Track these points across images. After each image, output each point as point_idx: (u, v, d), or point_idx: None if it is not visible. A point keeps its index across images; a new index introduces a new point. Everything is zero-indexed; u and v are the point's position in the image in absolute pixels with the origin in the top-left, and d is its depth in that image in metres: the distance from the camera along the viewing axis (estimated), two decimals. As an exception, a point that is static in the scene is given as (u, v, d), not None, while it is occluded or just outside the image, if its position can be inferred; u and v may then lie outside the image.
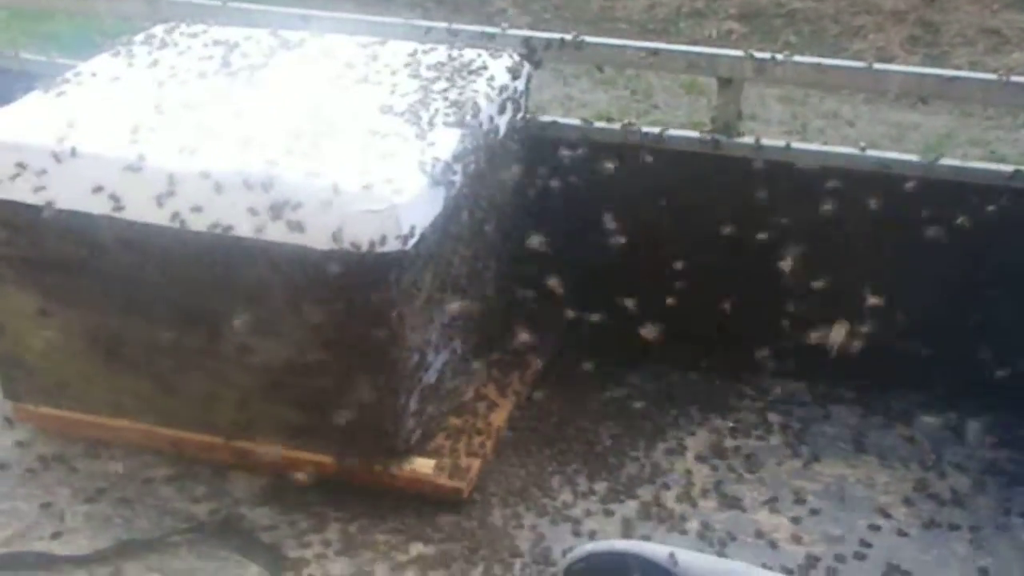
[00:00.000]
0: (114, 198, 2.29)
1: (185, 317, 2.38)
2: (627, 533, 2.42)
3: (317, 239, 2.22)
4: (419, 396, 2.45)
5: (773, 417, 2.78)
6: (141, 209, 2.29)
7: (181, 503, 2.47)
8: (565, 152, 2.74)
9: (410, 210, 2.22)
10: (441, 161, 2.32)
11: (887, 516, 2.49)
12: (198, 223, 2.27)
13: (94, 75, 2.59)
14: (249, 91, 2.53)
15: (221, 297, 2.34)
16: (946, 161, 2.66)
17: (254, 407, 2.45)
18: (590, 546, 2.22)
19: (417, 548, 2.37)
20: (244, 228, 2.24)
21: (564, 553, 2.31)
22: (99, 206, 2.31)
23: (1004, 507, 2.50)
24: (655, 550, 2.20)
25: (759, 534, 2.44)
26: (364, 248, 2.20)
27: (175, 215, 2.27)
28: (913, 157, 2.66)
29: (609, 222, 2.67)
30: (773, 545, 2.41)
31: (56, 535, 2.39)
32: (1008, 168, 2.60)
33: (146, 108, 2.43)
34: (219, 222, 2.25)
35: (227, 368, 2.41)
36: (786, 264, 2.66)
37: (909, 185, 2.60)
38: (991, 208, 2.56)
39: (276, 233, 2.24)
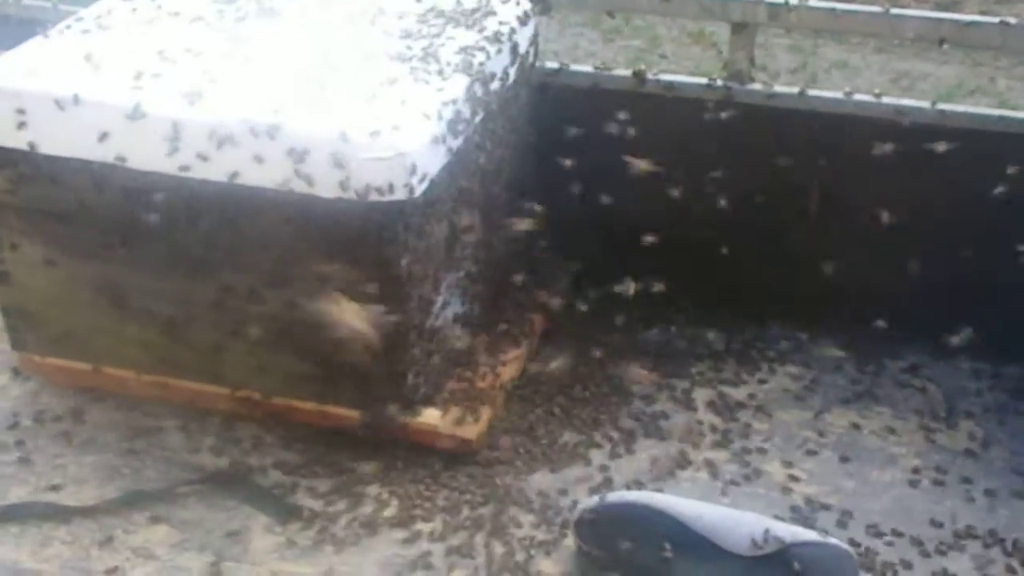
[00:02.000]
0: (118, 146, 2.26)
1: (191, 266, 2.36)
2: (637, 484, 2.41)
3: (324, 187, 2.19)
4: (428, 346, 2.43)
5: (783, 368, 2.76)
6: (145, 157, 2.26)
7: (189, 454, 2.46)
8: (574, 99, 2.70)
9: (418, 158, 2.19)
10: (449, 108, 2.29)
11: (898, 467, 2.47)
12: (203, 171, 2.24)
13: (97, 20, 2.55)
14: (255, 37, 2.49)
15: (227, 246, 2.32)
16: (959, 107, 2.63)
17: (262, 358, 2.43)
18: (601, 497, 2.22)
19: (426, 498, 2.36)
20: (249, 176, 2.21)
21: (575, 503, 2.32)
22: (103, 154, 2.28)
23: (1017, 458, 2.48)
24: (666, 501, 2.20)
25: (770, 484, 2.42)
26: (371, 196, 2.17)
27: (179, 163, 2.24)
28: (926, 104, 2.62)
29: (618, 171, 2.63)
30: (784, 495, 2.40)
31: (63, 486, 2.38)
32: (1021, 115, 2.56)
33: (149, 54, 2.40)
34: (224, 170, 2.22)
35: (234, 318, 2.39)
36: (804, 213, 2.63)
37: (924, 132, 2.56)
38: (1004, 156, 2.52)
39: (282, 181, 2.21)
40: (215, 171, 2.23)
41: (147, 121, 2.24)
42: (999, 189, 2.53)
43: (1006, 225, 2.53)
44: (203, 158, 2.23)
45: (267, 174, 2.21)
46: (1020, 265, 2.52)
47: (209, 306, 2.39)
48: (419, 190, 2.21)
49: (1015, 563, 2.23)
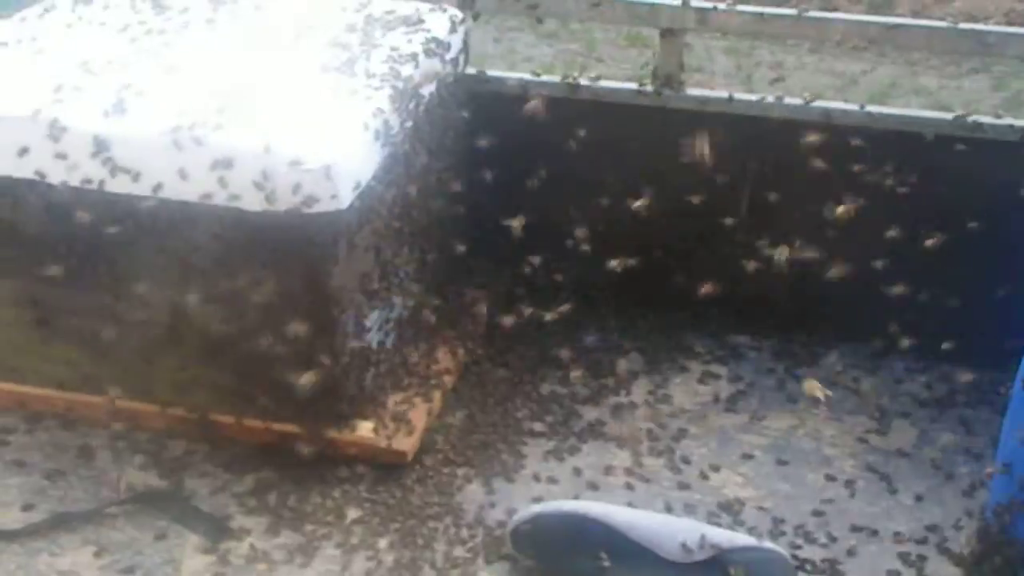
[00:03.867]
0: (37, 161, 2.21)
1: (117, 283, 2.32)
2: (574, 492, 2.39)
3: (250, 200, 2.16)
4: (361, 358, 2.40)
5: (719, 371, 2.76)
6: (66, 172, 2.22)
7: (118, 473, 2.40)
8: (504, 106, 2.68)
9: (346, 168, 2.17)
10: (377, 117, 2.27)
11: (834, 469, 2.48)
12: (126, 185, 2.20)
13: (16, 32, 2.50)
14: (180, 48, 2.45)
15: (153, 261, 2.27)
16: (888, 110, 2.64)
17: (192, 373, 2.39)
18: (537, 507, 2.21)
19: (361, 514, 2.33)
20: (173, 190, 2.18)
21: (511, 514, 2.30)
22: (23, 170, 2.23)
23: (950, 458, 2.50)
24: (602, 509, 2.19)
25: (706, 489, 2.42)
26: (298, 208, 2.14)
27: (101, 177, 2.20)
28: (855, 106, 2.63)
29: (549, 175, 2.62)
30: (720, 499, 2.39)
31: (-12, 509, 2.33)
32: (949, 116, 2.59)
33: (71, 66, 2.35)
34: (147, 184, 2.19)
35: (163, 334, 2.35)
36: (730, 219, 2.63)
37: (852, 134, 2.57)
38: (931, 156, 2.54)
39: (207, 194, 2.17)
40: (138, 185, 2.19)
41: (67, 135, 2.19)
42: (928, 190, 2.54)
43: (935, 225, 2.55)
44: (126, 172, 2.19)
45: (191, 187, 2.18)
46: (950, 266, 2.54)
47: (135, 322, 2.34)
48: (347, 201, 2.19)
49: (944, 563, 2.24)
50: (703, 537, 2.12)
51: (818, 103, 2.64)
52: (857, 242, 2.57)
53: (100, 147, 2.18)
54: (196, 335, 2.33)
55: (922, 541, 2.30)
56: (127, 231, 2.24)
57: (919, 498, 2.40)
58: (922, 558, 2.25)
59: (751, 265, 2.61)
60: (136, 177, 2.19)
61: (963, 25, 2.56)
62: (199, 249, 2.24)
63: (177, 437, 2.47)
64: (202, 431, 2.45)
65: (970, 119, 2.56)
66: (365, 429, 2.42)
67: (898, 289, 2.58)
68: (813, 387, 2.50)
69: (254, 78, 2.33)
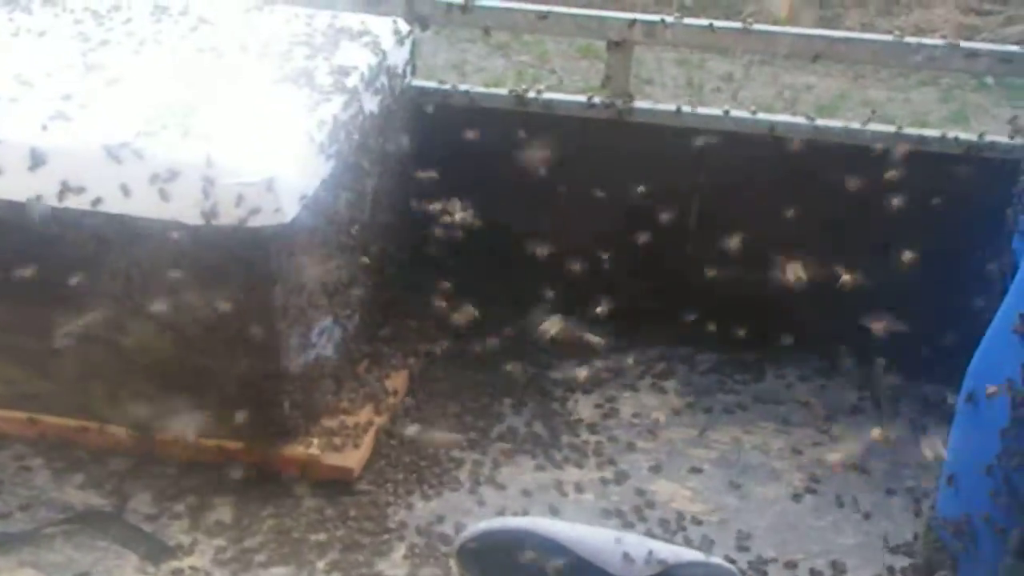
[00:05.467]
0: (-29, 175, 2.17)
1: (53, 299, 2.26)
2: (522, 508, 2.37)
3: (191, 214, 2.13)
4: (306, 374, 2.37)
5: (668, 385, 2.75)
6: (4, 186, 2.17)
7: (56, 493, 2.36)
8: (452, 118, 2.66)
9: (289, 181, 2.14)
10: (322, 130, 2.24)
11: (782, 482, 2.47)
12: (64, 199, 2.15)
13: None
14: (121, 59, 2.41)
15: (91, 276, 2.23)
16: (835, 123, 2.65)
17: (132, 390, 2.35)
18: (483, 524, 2.18)
19: (306, 532, 2.29)
20: (113, 204, 2.14)
21: (458, 531, 2.27)
22: (-44, 184, 2.19)
23: (898, 471, 2.50)
24: (549, 526, 2.17)
25: (655, 504, 2.41)
26: (240, 222, 2.11)
27: (37, 191, 2.15)
28: (802, 120, 2.63)
29: (498, 188, 2.60)
30: (669, 514, 2.38)
31: (-78, 532, 2.27)
32: (895, 129, 2.60)
33: (6, 77, 2.31)
34: (87, 198, 2.14)
35: (101, 351, 2.31)
36: (679, 231, 2.63)
37: (798, 147, 2.57)
38: (879, 168, 2.55)
39: (148, 208, 2.14)
40: (76, 199, 2.15)
41: (2, 148, 2.15)
42: (875, 201, 2.55)
43: (883, 238, 2.55)
44: (64, 186, 2.15)
45: (131, 201, 2.14)
46: (898, 279, 2.54)
47: (74, 339, 2.30)
48: (291, 215, 2.16)
49: (894, 578, 2.25)
50: (650, 552, 2.10)
51: (765, 116, 2.64)
52: (805, 255, 2.57)
53: (37, 160, 2.14)
54: (137, 351, 2.29)
55: (870, 555, 2.29)
56: (66, 246, 2.20)
57: (867, 513, 2.39)
58: (868, 573, 2.25)
59: (700, 277, 2.61)
60: (75, 191, 2.14)
61: (909, 39, 2.57)
62: (140, 264, 2.20)
63: (117, 455, 2.42)
64: (143, 449, 2.40)
65: (915, 133, 2.57)
66: (311, 445, 2.39)
67: (846, 302, 2.57)
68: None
69: (197, 90, 2.30)
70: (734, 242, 2.59)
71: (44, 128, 2.16)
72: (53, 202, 2.15)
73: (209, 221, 2.12)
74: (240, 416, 2.31)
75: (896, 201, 2.53)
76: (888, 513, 2.40)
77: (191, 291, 2.19)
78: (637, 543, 2.14)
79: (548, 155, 2.63)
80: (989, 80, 5.53)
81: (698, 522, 2.36)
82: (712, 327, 2.74)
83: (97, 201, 2.15)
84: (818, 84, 5.70)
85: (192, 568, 2.21)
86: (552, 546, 2.12)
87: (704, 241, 2.65)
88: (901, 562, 2.27)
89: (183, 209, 2.13)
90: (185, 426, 2.34)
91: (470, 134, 2.60)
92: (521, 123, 2.66)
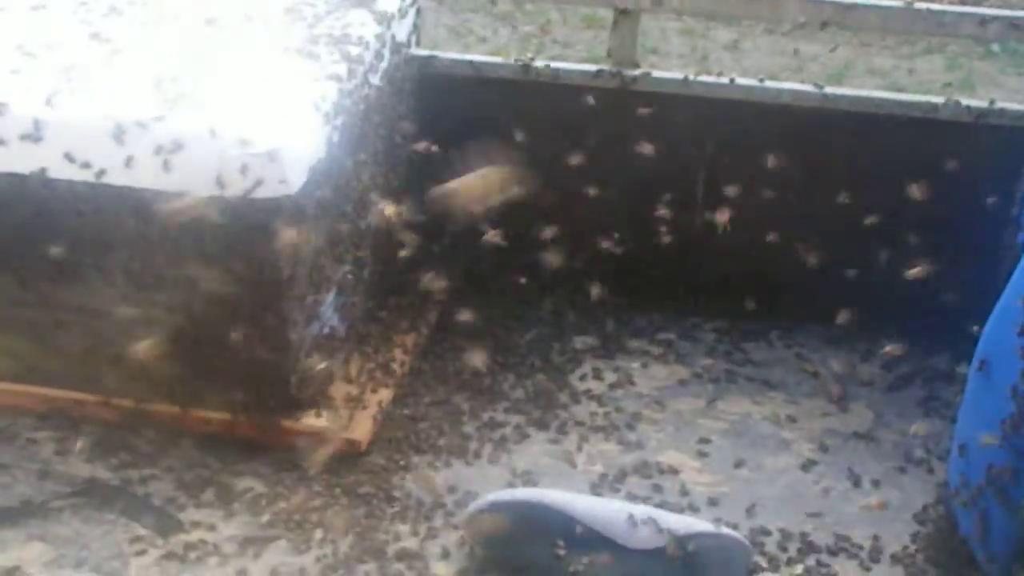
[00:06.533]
0: (-28, 147, 2.15)
1: (61, 271, 2.26)
2: (531, 479, 2.37)
3: (197, 185, 2.11)
4: (311, 346, 2.36)
5: (677, 356, 2.74)
6: (8, 158, 2.15)
7: (64, 466, 2.35)
8: (458, 89, 2.64)
9: (294, 152, 2.12)
10: (327, 101, 2.22)
11: (792, 452, 2.46)
12: (69, 171, 2.14)
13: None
14: (124, 31, 2.39)
15: (97, 249, 2.22)
16: (844, 91, 2.63)
17: (138, 364, 2.33)
18: (493, 496, 2.18)
19: (315, 504, 2.28)
20: (117, 176, 2.13)
21: (467, 502, 2.27)
22: (-43, 155, 2.17)
23: (907, 440, 2.49)
24: (558, 497, 2.16)
25: (664, 475, 2.40)
26: (246, 194, 2.10)
27: (42, 163, 2.13)
28: (810, 87, 2.61)
29: (503, 159, 2.58)
30: (678, 485, 2.37)
31: (-70, 505, 2.27)
32: (904, 97, 2.57)
33: (7, 48, 2.29)
34: (92, 169, 2.13)
35: (107, 324, 2.29)
36: (691, 198, 2.60)
37: (807, 116, 2.55)
38: (888, 136, 2.53)
39: (153, 180, 2.12)
40: (80, 171, 2.14)
41: (7, 119, 2.13)
42: (884, 168, 2.53)
43: (893, 207, 2.53)
44: (68, 158, 2.13)
45: (135, 173, 2.12)
46: (907, 248, 2.52)
47: (78, 312, 2.29)
48: (297, 185, 2.14)
49: (902, 547, 2.24)
50: (660, 524, 2.10)
51: (773, 84, 2.62)
52: (814, 224, 2.56)
53: (40, 132, 2.12)
54: (142, 324, 2.27)
55: (880, 525, 2.28)
56: (70, 219, 2.18)
57: (876, 482, 2.39)
58: (879, 540, 2.25)
59: (708, 247, 2.59)
60: (79, 163, 2.13)
61: (918, 5, 2.54)
62: (145, 236, 2.19)
63: (123, 429, 2.41)
64: (149, 422, 2.39)
65: (926, 100, 2.55)
66: (318, 418, 2.38)
67: (856, 271, 2.56)
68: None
69: (201, 61, 2.28)
70: (741, 211, 2.58)
71: (47, 100, 2.14)
72: (57, 175, 2.14)
73: (214, 192, 2.10)
74: (247, 389, 2.30)
75: (905, 168, 2.51)
76: (897, 483, 2.39)
77: (197, 264, 2.18)
78: (646, 514, 2.14)
79: (553, 123, 2.61)
80: (995, 47, 5.49)
81: (707, 492, 2.35)
82: (720, 297, 2.73)
83: (101, 173, 2.14)
84: (824, 52, 5.66)
85: (201, 541, 2.20)
86: (561, 517, 2.12)
87: (712, 210, 2.63)
88: (911, 531, 2.26)
89: (188, 181, 2.11)
90: (192, 399, 2.34)
91: (475, 103, 2.57)
92: (527, 93, 2.64)
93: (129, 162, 2.12)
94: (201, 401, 2.35)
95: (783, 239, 2.55)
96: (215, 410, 2.35)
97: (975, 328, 2.10)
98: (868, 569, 2.20)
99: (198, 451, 2.38)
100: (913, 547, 2.22)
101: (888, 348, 2.49)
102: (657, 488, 2.36)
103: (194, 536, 2.22)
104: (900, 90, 2.62)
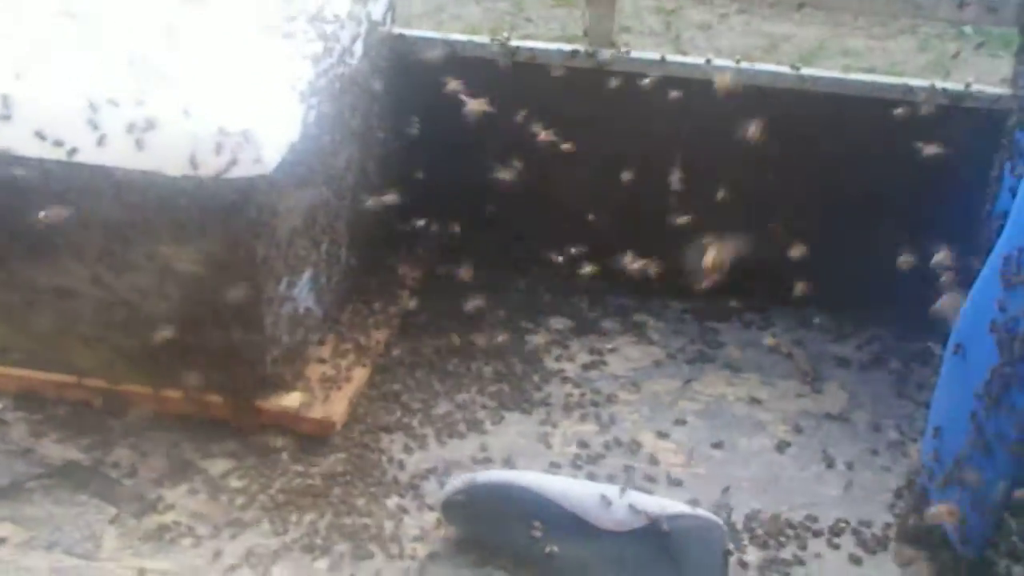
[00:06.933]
0: (-57, 123, 2.12)
1: (33, 251, 2.23)
2: (507, 460, 2.36)
3: (170, 164, 2.09)
4: (286, 326, 2.35)
5: (652, 337, 2.74)
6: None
7: (35, 447, 2.33)
8: (433, 67, 2.62)
9: (269, 131, 2.10)
10: (302, 78, 2.20)
11: (767, 434, 2.47)
12: (40, 150, 2.11)
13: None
14: (97, 8, 2.35)
15: (67, 229, 2.18)
16: (817, 72, 2.62)
17: (111, 344, 2.31)
18: (468, 477, 2.17)
19: (287, 485, 2.28)
20: (89, 155, 2.10)
21: (442, 484, 2.26)
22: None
23: (881, 421, 2.50)
24: (535, 479, 2.16)
25: (639, 456, 2.40)
26: (219, 173, 2.08)
27: (13, 140, 2.10)
28: (786, 69, 2.61)
29: (478, 138, 2.57)
30: (654, 466, 2.38)
31: (-102, 487, 2.24)
32: (881, 79, 2.57)
33: (-24, 25, 2.26)
34: (64, 148, 2.10)
35: (79, 304, 2.27)
36: (666, 178, 2.60)
37: (782, 97, 2.55)
38: (863, 118, 2.53)
39: (126, 159, 2.10)
40: (52, 150, 2.10)
41: (-28, 97, 2.10)
42: (860, 151, 2.53)
43: (867, 189, 2.54)
44: (39, 136, 2.10)
45: (107, 152, 2.09)
46: (880, 230, 2.53)
47: (50, 292, 2.26)
48: (272, 165, 2.12)
49: (875, 527, 2.25)
50: (635, 504, 2.10)
51: (749, 65, 2.61)
52: (789, 205, 2.56)
53: (9, 109, 2.09)
54: (116, 305, 2.25)
55: (854, 507, 2.30)
56: (42, 197, 2.15)
57: (851, 463, 2.40)
58: (853, 522, 2.26)
59: (682, 229, 2.58)
60: (50, 141, 2.10)
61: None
62: (119, 216, 2.16)
63: (96, 410, 2.39)
64: (121, 404, 2.37)
65: (902, 82, 2.55)
66: (293, 398, 2.37)
67: (831, 253, 2.57)
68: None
69: (175, 39, 2.24)
70: (717, 193, 2.57)
71: (18, 76, 2.11)
72: (28, 153, 2.11)
73: (188, 172, 2.08)
74: (221, 370, 2.29)
75: (881, 151, 2.51)
76: (872, 464, 2.40)
77: (171, 243, 2.16)
78: (622, 495, 2.14)
79: (529, 105, 2.60)
80: (968, 29, 5.50)
81: (682, 473, 2.36)
82: (696, 280, 2.72)
83: (73, 152, 2.11)
84: (797, 33, 5.66)
85: (175, 523, 2.19)
86: (537, 499, 2.12)
87: (687, 192, 2.63)
88: (886, 513, 2.27)
89: (161, 160, 2.09)
90: (165, 380, 2.32)
91: (451, 82, 2.55)
92: (503, 71, 2.62)
93: (101, 141, 2.09)
94: (176, 382, 2.32)
95: (758, 220, 2.55)
96: (190, 391, 2.33)
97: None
98: (841, 550, 2.21)
99: (172, 432, 2.36)
100: (888, 529, 2.23)
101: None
102: (632, 469, 2.36)
103: (168, 518, 2.20)
104: (873, 71, 2.61)
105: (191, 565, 2.11)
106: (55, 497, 2.24)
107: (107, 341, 2.30)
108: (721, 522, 2.15)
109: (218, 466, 2.31)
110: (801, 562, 2.18)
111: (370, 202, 2.54)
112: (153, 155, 2.09)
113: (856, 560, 2.19)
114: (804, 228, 2.55)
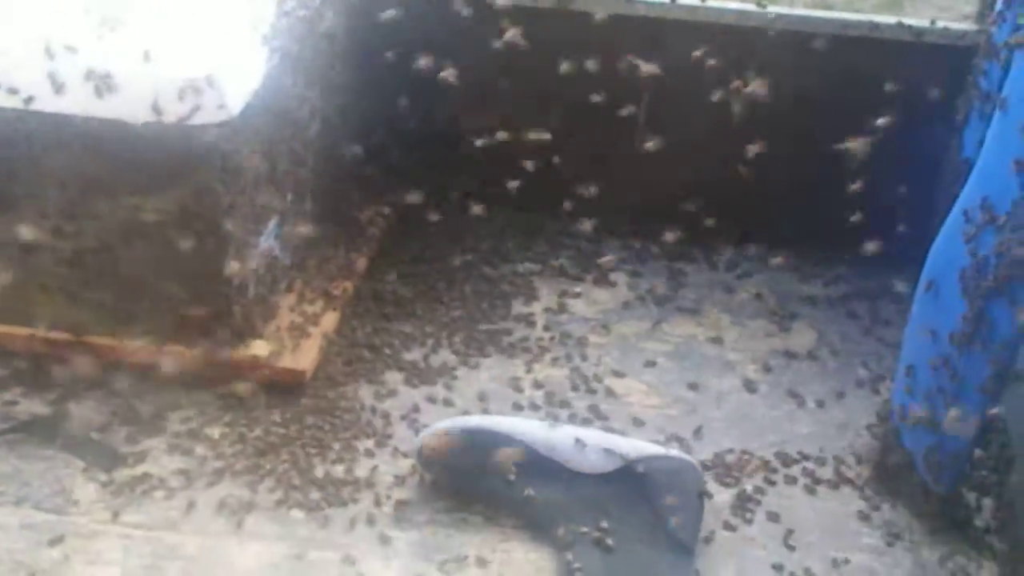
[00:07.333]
0: None
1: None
2: (479, 407, 2.36)
3: (131, 112, 2.04)
4: (253, 275, 2.31)
5: (619, 279, 2.73)
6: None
7: (-1, 402, 2.30)
8: (403, 4, 2.57)
9: (232, 76, 2.05)
10: (265, 19, 2.15)
11: (737, 374, 2.48)
12: (-6, 98, 2.05)
13: None
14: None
15: (27, 179, 2.14)
16: (783, 10, 2.60)
17: (75, 297, 2.27)
18: (443, 424, 2.16)
19: (259, 435, 2.25)
20: (47, 103, 2.04)
21: (416, 431, 2.25)
22: None
23: (851, 360, 2.52)
24: (509, 424, 2.16)
25: (611, 398, 2.40)
26: (182, 120, 2.03)
27: (-35, 90, 2.05)
28: (752, 7, 2.58)
29: (439, 81, 2.54)
30: (626, 410, 2.38)
31: None
32: (846, 16, 2.56)
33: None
34: (19, 95, 2.04)
35: (41, 256, 2.22)
36: (633, 120, 2.58)
37: (749, 36, 2.53)
38: (828, 56, 2.51)
39: (85, 106, 2.04)
40: (7, 97, 2.05)
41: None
42: (825, 89, 2.52)
43: (835, 124, 2.53)
44: (-7, 83, 2.04)
45: (66, 100, 2.04)
46: (847, 168, 2.52)
47: (11, 244, 2.21)
48: (236, 110, 2.08)
49: (847, 466, 2.27)
50: (609, 447, 2.11)
51: (716, 4, 2.58)
52: (752, 147, 2.54)
53: (-38, 57, 2.03)
54: (79, 256, 2.21)
55: (825, 444, 2.32)
56: (-1, 147, 2.10)
57: (821, 402, 2.41)
58: (823, 462, 2.28)
59: (648, 170, 2.57)
60: (4, 88, 2.04)
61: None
62: (78, 165, 2.11)
63: (59, 362, 2.33)
64: (87, 357, 2.33)
65: (867, 19, 2.54)
66: (262, 347, 2.34)
67: (795, 191, 2.57)
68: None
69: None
70: (684, 133, 2.56)
71: (-32, 22, 2.05)
72: (-18, 101, 2.06)
73: (148, 119, 2.03)
74: (188, 321, 2.25)
75: (846, 88, 2.50)
76: (843, 402, 2.41)
77: (134, 193, 2.11)
78: (596, 438, 2.15)
79: (490, 47, 2.56)
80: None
81: (655, 415, 2.36)
82: (662, 221, 2.71)
83: (29, 100, 2.05)
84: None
85: (146, 475, 2.16)
86: (512, 444, 2.12)
87: (654, 133, 2.61)
88: (857, 451, 2.29)
89: (122, 107, 2.04)
90: (132, 332, 2.29)
91: (408, 22, 2.50)
92: (463, 12, 2.57)
93: (59, 88, 2.03)
94: (142, 333, 2.29)
95: (724, 161, 2.54)
96: (156, 343, 2.29)
97: (915, 251, 2.12)
98: (813, 488, 2.23)
99: (139, 384, 2.32)
100: (860, 467, 2.25)
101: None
102: (605, 412, 2.36)
103: (138, 470, 2.18)
104: (830, 8, 2.60)
105: (165, 517, 2.09)
106: (21, 452, 2.20)
107: (71, 293, 2.26)
108: (696, 463, 2.16)
109: (188, 418, 2.28)
110: (772, 500, 2.20)
111: (334, 148, 2.51)
112: (113, 103, 2.03)
113: (827, 497, 2.21)
114: (769, 169, 2.54)
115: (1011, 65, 1.93)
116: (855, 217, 2.43)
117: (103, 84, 2.02)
